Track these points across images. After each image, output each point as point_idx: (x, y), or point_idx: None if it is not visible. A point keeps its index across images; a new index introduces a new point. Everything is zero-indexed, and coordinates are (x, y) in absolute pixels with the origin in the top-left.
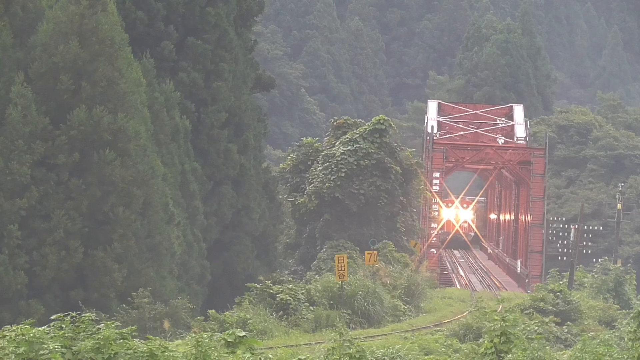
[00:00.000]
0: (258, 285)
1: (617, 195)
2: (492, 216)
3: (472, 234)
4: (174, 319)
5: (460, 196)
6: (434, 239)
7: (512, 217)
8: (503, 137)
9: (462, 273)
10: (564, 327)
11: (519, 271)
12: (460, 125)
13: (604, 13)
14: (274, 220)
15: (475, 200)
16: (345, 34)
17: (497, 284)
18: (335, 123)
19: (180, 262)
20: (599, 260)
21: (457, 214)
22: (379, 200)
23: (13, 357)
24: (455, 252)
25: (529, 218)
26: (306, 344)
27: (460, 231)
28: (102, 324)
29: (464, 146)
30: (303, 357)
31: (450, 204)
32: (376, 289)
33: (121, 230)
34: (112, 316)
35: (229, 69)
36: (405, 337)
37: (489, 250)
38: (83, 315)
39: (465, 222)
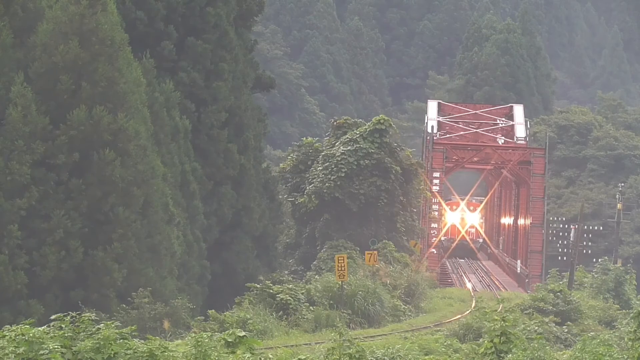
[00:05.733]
0: (258, 285)
1: (617, 195)
2: (493, 216)
3: (480, 240)
4: (174, 319)
5: (467, 198)
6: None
7: (512, 217)
8: (503, 137)
9: (462, 273)
10: (564, 327)
11: (518, 271)
12: (460, 125)
13: (604, 13)
14: (274, 220)
15: (484, 203)
16: (345, 34)
17: (497, 284)
18: (335, 123)
19: (180, 262)
20: (599, 260)
21: (462, 217)
22: (379, 200)
23: (13, 357)
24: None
25: (529, 218)
26: (306, 344)
27: (467, 237)
28: (102, 324)
29: (464, 146)
30: (303, 357)
31: (454, 207)
32: (376, 289)
33: (121, 230)
34: (112, 316)
35: (229, 69)
36: (405, 337)
37: (489, 250)
38: (83, 315)
39: (472, 226)
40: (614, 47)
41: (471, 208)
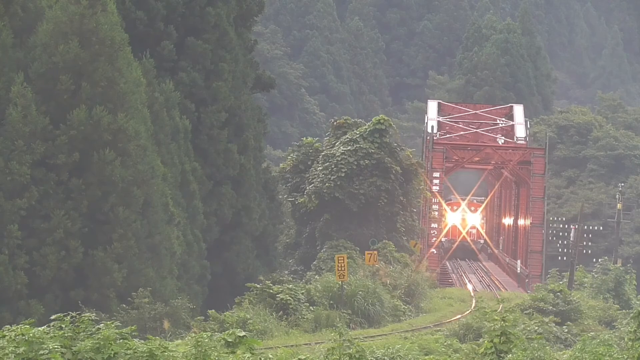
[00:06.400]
0: (258, 285)
1: (617, 195)
2: (493, 216)
3: (482, 241)
4: (174, 319)
5: (467, 198)
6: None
7: (512, 217)
8: (503, 137)
9: (462, 273)
10: (564, 327)
11: (518, 271)
12: (460, 125)
13: (604, 13)
14: (274, 220)
15: (485, 203)
16: (345, 34)
17: (497, 283)
18: (335, 123)
19: (180, 262)
20: (599, 260)
21: (463, 218)
22: (379, 200)
23: (13, 357)
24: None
25: (529, 218)
26: (306, 344)
27: (468, 238)
28: (102, 324)
29: (464, 146)
30: (303, 357)
31: (455, 207)
32: (376, 289)
33: (121, 230)
34: (112, 316)
35: (229, 69)
36: (405, 337)
37: (489, 250)
38: (83, 315)
39: (473, 227)
40: (614, 47)
41: (472, 208)
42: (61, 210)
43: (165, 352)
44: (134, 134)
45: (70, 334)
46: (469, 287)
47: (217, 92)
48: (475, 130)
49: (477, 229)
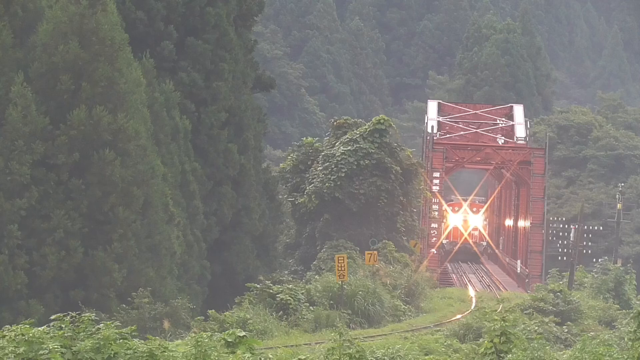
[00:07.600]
0: (258, 285)
1: (617, 195)
2: (493, 217)
3: (484, 243)
4: (174, 319)
5: (469, 199)
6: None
7: (512, 217)
8: (503, 137)
9: (462, 273)
10: (564, 327)
11: (518, 271)
12: (460, 125)
13: (604, 13)
14: (274, 220)
15: (488, 204)
16: (345, 34)
17: (497, 283)
18: (335, 123)
19: (180, 262)
20: (599, 260)
21: (465, 219)
22: (379, 200)
23: (13, 357)
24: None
25: (529, 218)
26: (306, 344)
27: (470, 240)
28: (102, 324)
29: (464, 146)
30: (303, 357)
31: (457, 208)
32: (376, 289)
33: (121, 230)
34: (112, 316)
35: (229, 69)
36: (405, 337)
37: (489, 250)
38: (83, 315)
39: (475, 229)
40: (614, 47)
41: (474, 209)
42: (61, 210)
43: (165, 352)
44: (134, 134)
45: (70, 334)
46: (469, 287)
47: (217, 92)
48: (475, 130)
49: (480, 230)
